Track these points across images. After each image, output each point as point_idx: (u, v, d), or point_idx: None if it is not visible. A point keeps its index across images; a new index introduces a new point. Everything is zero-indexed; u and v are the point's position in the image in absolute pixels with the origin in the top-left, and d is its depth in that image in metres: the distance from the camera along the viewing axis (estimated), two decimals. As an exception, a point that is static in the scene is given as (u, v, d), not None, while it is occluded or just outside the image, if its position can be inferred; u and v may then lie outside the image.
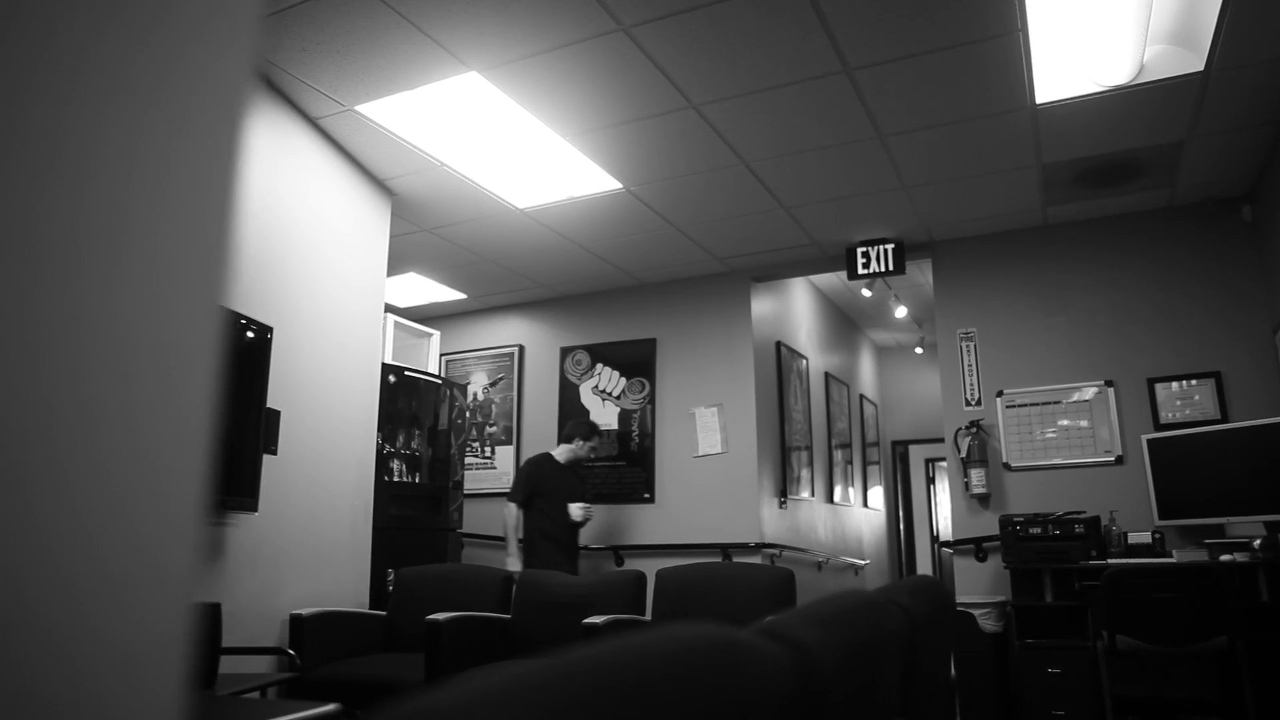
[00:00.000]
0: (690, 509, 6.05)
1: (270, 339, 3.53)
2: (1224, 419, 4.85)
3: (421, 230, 5.44)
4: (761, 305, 6.35)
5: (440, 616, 3.44)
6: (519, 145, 4.36)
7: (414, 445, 5.19)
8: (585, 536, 6.30)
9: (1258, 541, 4.29)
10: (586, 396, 6.57)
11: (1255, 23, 3.41)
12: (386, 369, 4.85)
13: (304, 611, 3.66)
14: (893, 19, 3.34)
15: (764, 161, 4.51)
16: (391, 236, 5.42)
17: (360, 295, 4.57)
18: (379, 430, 4.81)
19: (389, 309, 6.12)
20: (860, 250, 5.68)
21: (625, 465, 6.33)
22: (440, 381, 5.34)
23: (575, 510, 5.35)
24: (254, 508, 3.40)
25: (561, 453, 5.59)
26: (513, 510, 5.31)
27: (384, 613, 4.16)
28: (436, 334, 5.64)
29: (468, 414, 7.01)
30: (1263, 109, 4.05)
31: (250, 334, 3.45)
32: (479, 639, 3.74)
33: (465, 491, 6.79)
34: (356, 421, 4.45)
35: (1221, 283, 5.02)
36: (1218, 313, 5.00)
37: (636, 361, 6.44)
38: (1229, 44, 3.53)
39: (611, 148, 4.35)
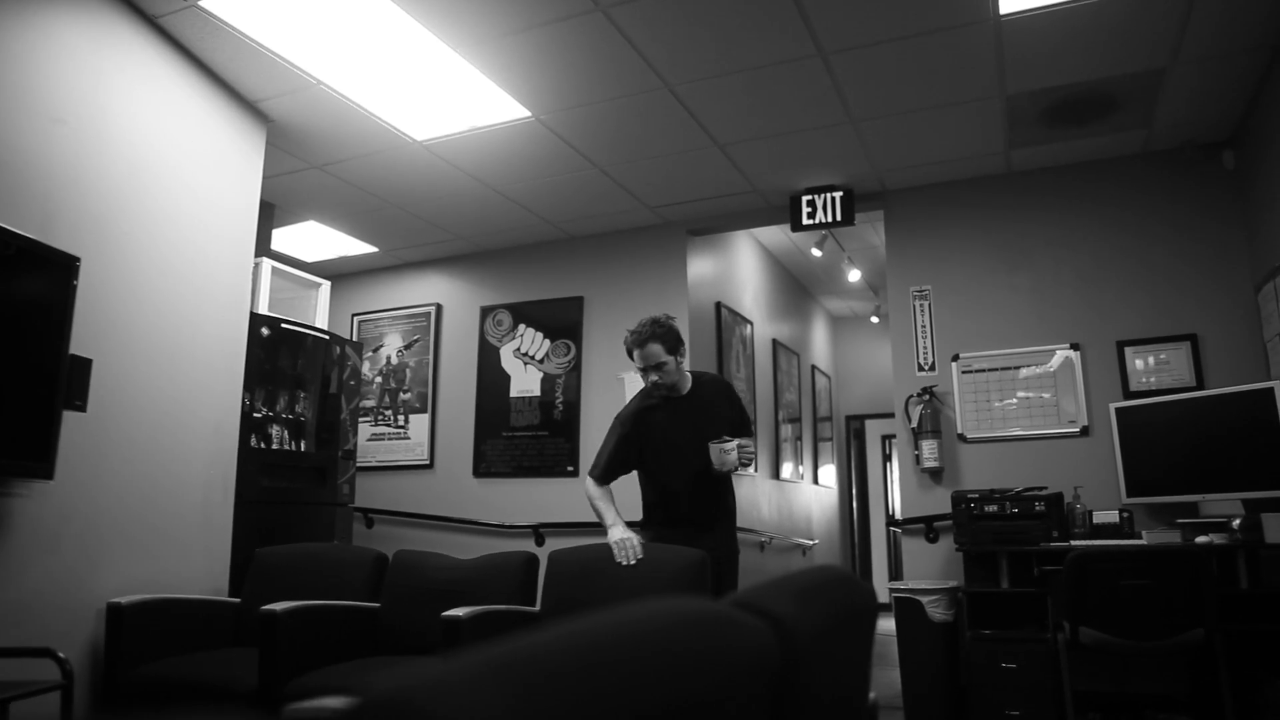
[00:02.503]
0: (616, 484, 5.47)
1: (76, 271, 2.90)
2: (1199, 386, 4.37)
3: (310, 167, 4.80)
4: (700, 262, 5.78)
5: (278, 607, 2.85)
6: (407, 61, 3.74)
7: (298, 409, 4.57)
8: (499, 514, 5.75)
9: (1237, 521, 3.82)
10: (508, 360, 5.98)
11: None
12: (258, 321, 4.22)
13: (124, 600, 3.05)
14: (830, -110, 2.77)
15: (690, 85, 3.92)
16: (277, 174, 4.81)
17: (222, 233, 3.93)
18: (251, 391, 4.18)
19: (286, 260, 5.48)
20: (806, 199, 5.12)
21: (548, 435, 5.75)
22: (328, 338, 4.71)
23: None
24: (48, 474, 2.78)
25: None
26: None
27: (238, 600, 3.56)
28: (326, 284, 5.00)
29: (379, 379, 6.39)
30: (1254, 27, 3.53)
31: (34, 259, 2.81)
32: (336, 631, 3.16)
33: (374, 464, 6.22)
34: (214, 379, 3.82)
35: (1199, 237, 4.53)
36: (1195, 270, 4.52)
37: (562, 322, 5.86)
38: (1224, -60, 3.00)
39: (511, 63, 3.74)
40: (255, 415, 4.29)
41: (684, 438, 3.25)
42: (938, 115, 4.24)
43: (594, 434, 5.61)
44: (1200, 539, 3.85)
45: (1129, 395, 4.51)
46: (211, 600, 3.52)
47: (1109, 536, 4.15)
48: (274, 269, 4.56)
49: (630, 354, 3.26)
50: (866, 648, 1.38)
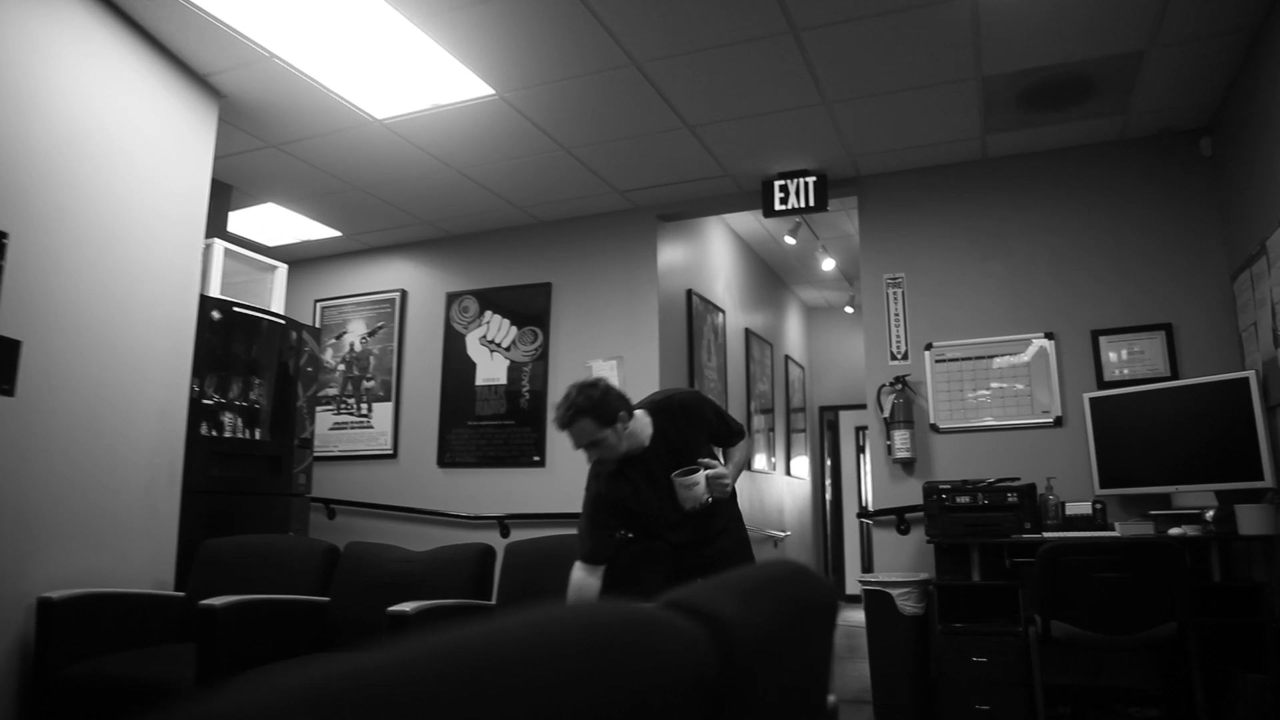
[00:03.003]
0: (583, 473, 5.34)
1: (3, 248, 2.74)
2: (1174, 376, 4.31)
3: (268, 146, 4.63)
4: (671, 249, 5.66)
5: (217, 602, 2.71)
6: (363, 34, 3.59)
7: (252, 396, 4.41)
8: (464, 504, 5.61)
9: (1210, 513, 3.76)
10: (473, 348, 5.84)
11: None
12: (209, 303, 4.06)
13: (55, 595, 2.90)
14: None
15: (658, 62, 3.80)
16: (232, 153, 4.65)
17: (169, 211, 3.77)
18: (202, 377, 4.03)
19: (246, 243, 5.30)
20: (778, 183, 5.01)
21: (514, 425, 5.62)
22: (284, 322, 4.56)
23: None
24: (-29, 462, 2.63)
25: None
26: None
27: (183, 594, 3.41)
28: (282, 268, 4.83)
29: (342, 367, 6.23)
30: (1233, 10, 3.45)
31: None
32: (282, 627, 3.02)
33: (337, 454, 6.07)
34: (159, 363, 3.66)
35: (1176, 225, 4.47)
36: (1171, 259, 4.45)
37: (529, 309, 5.72)
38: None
39: (472, 37, 3.60)
40: (206, 402, 4.13)
41: (665, 487, 2.83)
42: (913, 97, 4.14)
43: (561, 423, 5.49)
44: (1173, 531, 3.79)
45: (1103, 385, 4.44)
46: (154, 595, 3.37)
47: (1081, 528, 4.09)
48: (227, 250, 4.39)
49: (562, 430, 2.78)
50: (825, 647, 1.30)
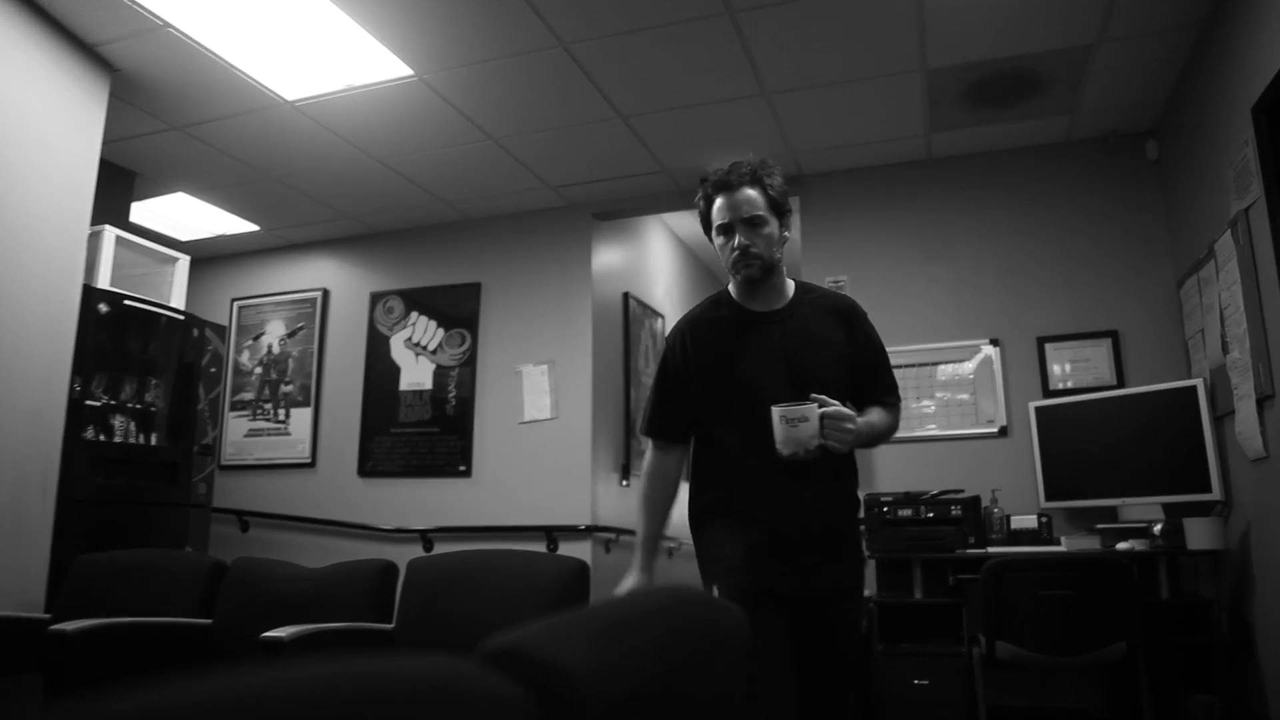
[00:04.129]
0: (512, 484, 5.10)
1: None
2: (1120, 384, 4.18)
3: (171, 128, 4.30)
4: (607, 249, 5.42)
5: (69, 626, 2.39)
6: (268, 4, 3.30)
7: (148, 398, 4.06)
8: (386, 516, 5.28)
9: (1158, 527, 3.62)
10: (398, 350, 5.53)
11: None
12: (95, 295, 3.71)
13: (-114, 618, 2.55)
14: None
15: (587, 44, 3.56)
16: (134, 135, 4.31)
17: (45, 193, 3.43)
18: (89, 376, 3.68)
19: (144, 232, 4.94)
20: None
21: (439, 432, 5.32)
22: (184, 318, 4.22)
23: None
24: None
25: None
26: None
27: (50, 616, 3.06)
28: (183, 259, 4.49)
29: (259, 370, 5.87)
30: (1182, 3, 3.32)
31: None
32: (155, 652, 2.70)
33: (252, 462, 5.72)
34: (32, 360, 3.31)
35: (1122, 230, 4.35)
36: (1117, 264, 4.33)
37: (458, 310, 5.43)
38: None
39: (387, 10, 3.33)
40: (93, 404, 3.79)
41: (766, 376, 2.06)
42: (856, 90, 3.96)
43: (489, 431, 5.22)
44: (1121, 545, 3.64)
45: (1049, 394, 4.29)
46: (15, 618, 3.02)
47: (1027, 543, 3.92)
48: (120, 240, 4.04)
49: (706, 208, 2.13)
50: (730, 691, 1.05)
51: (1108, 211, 4.38)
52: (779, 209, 2.12)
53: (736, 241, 2.07)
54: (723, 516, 2.10)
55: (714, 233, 2.13)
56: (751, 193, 2.07)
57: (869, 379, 2.19)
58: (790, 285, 2.19)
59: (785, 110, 4.13)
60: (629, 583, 2.10)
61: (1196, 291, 3.82)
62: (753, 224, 2.07)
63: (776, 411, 1.90)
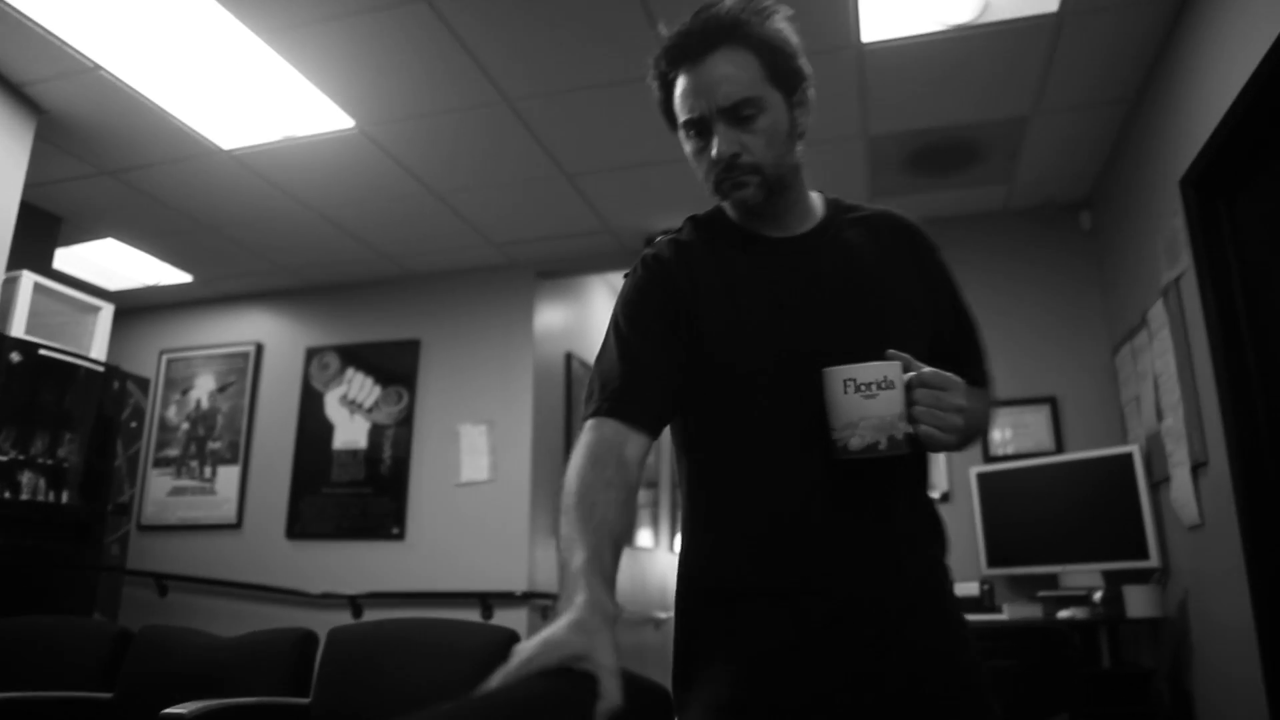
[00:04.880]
0: (447, 548, 4.93)
1: None
2: (1059, 450, 4.20)
3: (101, 173, 4.16)
4: (550, 308, 5.37)
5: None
6: (206, 49, 3.22)
7: (60, 453, 3.86)
8: (315, 580, 5.06)
9: (1098, 595, 3.60)
10: (332, 408, 5.36)
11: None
12: (8, 344, 3.54)
13: None
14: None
15: (532, 101, 3.54)
16: (61, 179, 4.17)
17: (-41, 235, 3.28)
18: (-4, 429, 3.49)
19: (68, 280, 4.75)
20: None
21: (372, 493, 5.14)
22: (104, 370, 4.04)
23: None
24: None
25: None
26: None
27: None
28: (108, 308, 4.32)
29: (186, 425, 5.65)
30: (1116, 77, 3.42)
31: None
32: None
33: (174, 523, 5.47)
34: (-67, 410, 3.13)
35: (1059, 297, 4.42)
36: (1054, 331, 4.39)
37: (395, 367, 5.30)
38: (1088, -22, 2.86)
39: (329, 58, 3.28)
40: (0, 458, 3.58)
41: (797, 336, 1.24)
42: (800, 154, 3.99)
43: (425, 492, 5.07)
44: (1062, 613, 3.61)
45: (989, 459, 4.30)
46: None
47: (970, 611, 3.85)
48: (39, 286, 3.87)
49: (664, 95, 1.32)
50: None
51: (1045, 279, 4.46)
52: (784, 76, 1.25)
53: (715, 149, 1.22)
54: (721, 605, 1.23)
55: (680, 132, 1.30)
56: (731, 61, 1.22)
57: (955, 345, 1.35)
58: (818, 200, 1.38)
59: (729, 173, 4.14)
60: (530, 647, 0.88)
61: (1131, 359, 3.88)
62: (739, 115, 1.22)
63: (837, 376, 1.13)
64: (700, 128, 1.25)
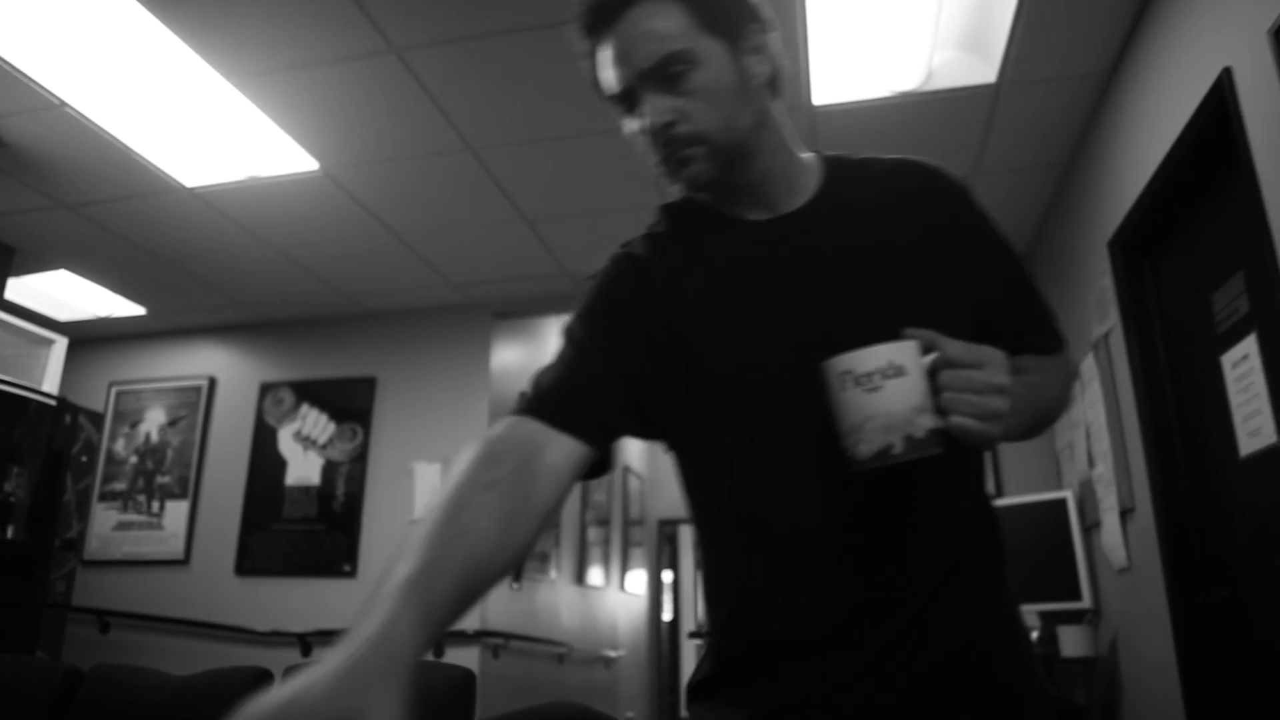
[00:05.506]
0: (399, 586, 4.92)
1: None
2: (999, 494, 4.37)
3: (59, 206, 4.17)
4: (506, 348, 5.44)
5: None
6: (174, 90, 3.28)
7: (7, 487, 3.82)
8: (264, 618, 5.02)
9: (1035, 634, 3.74)
10: (286, 444, 5.36)
11: (1048, 32, 2.97)
12: (-41, 378, 3.52)
13: None
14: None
15: (495, 150, 3.65)
16: (16, 210, 4.17)
17: (-84, 268, 3.26)
18: (-59, 463, 3.45)
19: (32, 316, 4.72)
20: (619, 286, 4.91)
21: (324, 530, 5.13)
22: (56, 403, 4.02)
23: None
24: None
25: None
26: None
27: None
28: (61, 341, 4.32)
29: (134, 459, 5.59)
30: (1050, 143, 3.64)
31: None
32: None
33: (118, 558, 5.38)
34: (-119, 444, 3.10)
35: (997, 347, 4.62)
36: (993, 379, 4.58)
37: (350, 404, 5.32)
38: (1021, 54, 3.06)
39: (297, 104, 3.36)
40: (-55, 493, 3.54)
41: (783, 347, 1.02)
42: (752, 207, 4.15)
43: (378, 530, 5.08)
44: (1000, 653, 3.74)
45: (932, 503, 4.45)
46: None
47: (912, 650, 4.00)
48: (-8, 319, 3.86)
49: (591, 67, 1.09)
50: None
51: (984, 330, 4.65)
52: (722, 19, 1.04)
53: (647, 122, 1.03)
54: (747, 662, 1.05)
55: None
56: (651, 14, 1.02)
57: (1009, 310, 1.14)
58: (813, 162, 1.17)
59: (685, 221, 4.28)
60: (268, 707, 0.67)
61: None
62: (666, 75, 1.01)
63: (833, 370, 0.92)
64: (629, 100, 1.05)
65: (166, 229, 4.36)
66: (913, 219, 1.09)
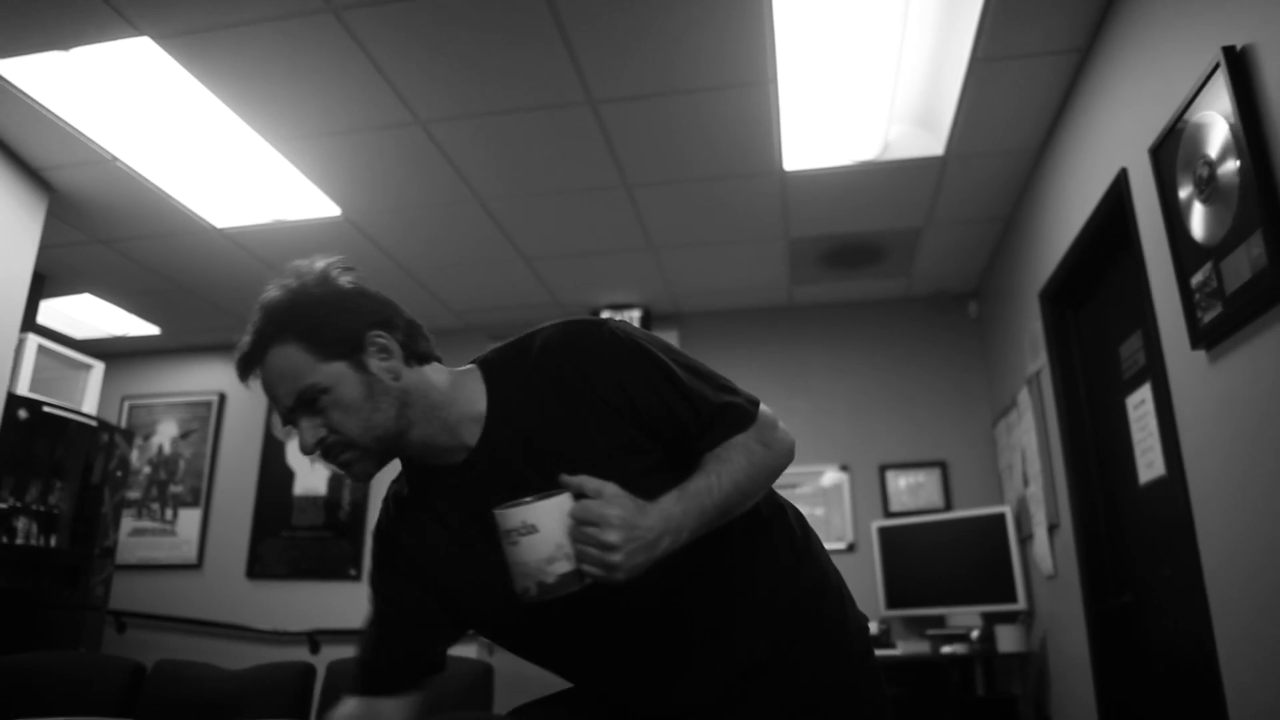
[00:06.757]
0: (402, 589, 5.33)
1: None
2: (948, 507, 4.87)
3: (94, 241, 4.54)
4: (501, 367, 5.86)
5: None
6: (212, 145, 3.67)
7: (51, 500, 4.19)
8: (273, 619, 5.41)
9: (975, 633, 4.24)
10: (293, 456, 5.75)
11: (988, 112, 3.44)
12: (16, 402, 3.89)
13: None
14: (640, 49, 3.05)
15: (501, 201, 4.09)
16: (53, 245, 4.51)
17: (-17, 307, 3.64)
18: (0, 479, 3.82)
19: (51, 334, 5.08)
20: (605, 315, 5.35)
21: (331, 536, 5.53)
22: (96, 424, 4.39)
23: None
24: None
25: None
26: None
27: (-43, 719, 3.16)
28: (99, 366, 4.68)
29: (147, 469, 5.95)
30: (992, 202, 4.13)
31: None
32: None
33: (133, 562, 5.74)
34: (-43, 465, 3.47)
35: (949, 375, 5.12)
36: (945, 404, 5.08)
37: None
38: (965, 131, 3.54)
39: (327, 162, 3.77)
40: (1, 506, 3.91)
41: (482, 575, 1.26)
42: (730, 250, 4.62)
43: (381, 536, 5.46)
44: (945, 649, 4.23)
45: (889, 514, 4.94)
46: (-75, 718, 3.11)
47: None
48: (42, 348, 4.23)
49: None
50: None
51: (939, 357, 5.16)
52: (335, 346, 1.25)
53: (303, 441, 1.25)
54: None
55: None
56: (280, 358, 1.26)
57: (681, 426, 1.27)
58: (473, 386, 1.33)
59: (668, 261, 4.74)
60: None
61: (1006, 431, 4.57)
62: (307, 403, 1.24)
63: (496, 521, 1.13)
64: (291, 421, 1.27)
65: (192, 262, 4.73)
66: (566, 392, 1.25)
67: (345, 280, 1.34)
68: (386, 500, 1.43)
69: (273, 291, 1.31)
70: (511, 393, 1.29)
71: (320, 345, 1.23)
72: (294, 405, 1.24)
